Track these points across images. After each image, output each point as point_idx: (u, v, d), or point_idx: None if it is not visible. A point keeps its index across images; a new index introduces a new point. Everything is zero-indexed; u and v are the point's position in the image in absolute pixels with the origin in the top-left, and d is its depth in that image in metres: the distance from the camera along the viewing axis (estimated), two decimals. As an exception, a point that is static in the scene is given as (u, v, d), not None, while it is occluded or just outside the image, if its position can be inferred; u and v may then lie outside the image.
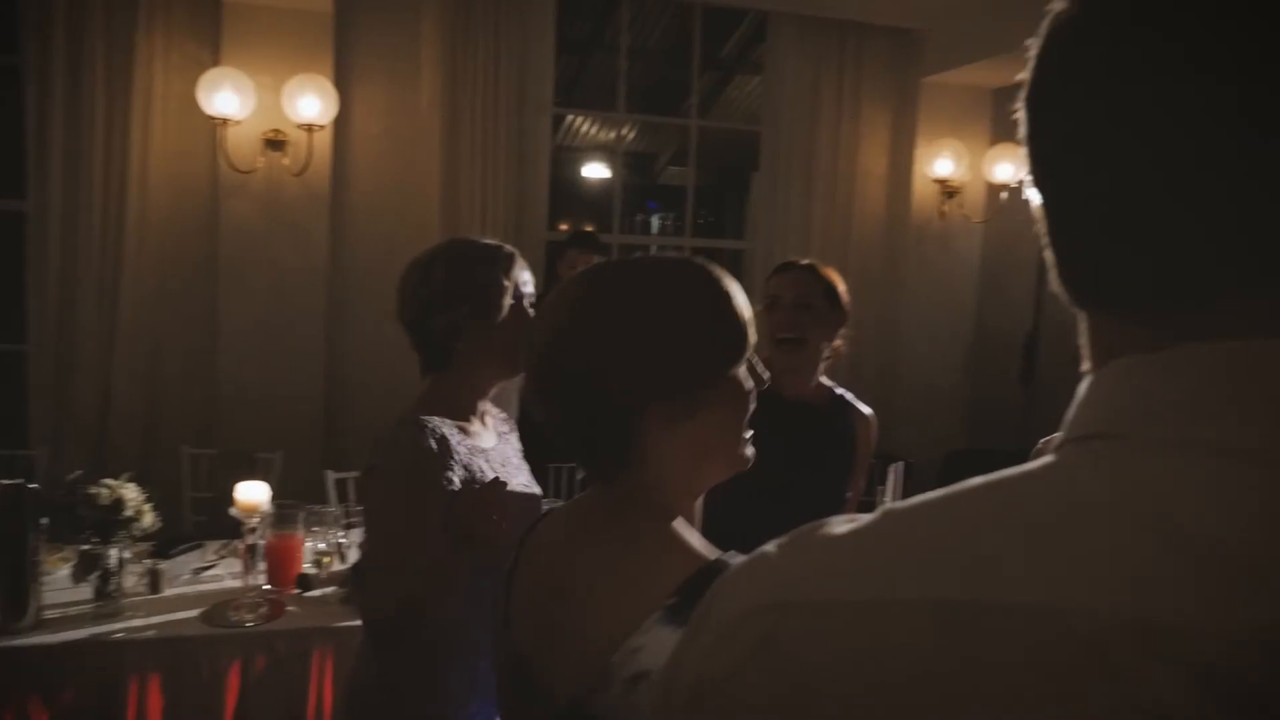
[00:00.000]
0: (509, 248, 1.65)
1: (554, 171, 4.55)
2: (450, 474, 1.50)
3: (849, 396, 2.17)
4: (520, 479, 1.67)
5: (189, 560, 2.77)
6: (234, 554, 2.66)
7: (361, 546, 2.14)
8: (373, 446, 1.52)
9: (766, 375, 0.91)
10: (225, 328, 3.99)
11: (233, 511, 2.32)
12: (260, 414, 3.96)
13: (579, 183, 9.86)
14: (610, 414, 0.85)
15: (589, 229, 5.19)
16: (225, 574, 2.65)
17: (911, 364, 4.99)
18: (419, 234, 4.19)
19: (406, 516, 1.45)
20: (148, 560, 2.56)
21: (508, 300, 1.57)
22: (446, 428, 1.54)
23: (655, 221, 11.58)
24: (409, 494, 1.46)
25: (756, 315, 0.92)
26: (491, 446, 1.63)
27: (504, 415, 1.78)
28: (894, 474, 2.97)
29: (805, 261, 2.09)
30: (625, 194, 10.62)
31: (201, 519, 3.53)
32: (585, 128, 9.15)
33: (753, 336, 0.89)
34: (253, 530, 2.33)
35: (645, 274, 0.90)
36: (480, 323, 1.56)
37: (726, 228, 10.25)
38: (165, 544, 2.83)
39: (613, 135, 5.63)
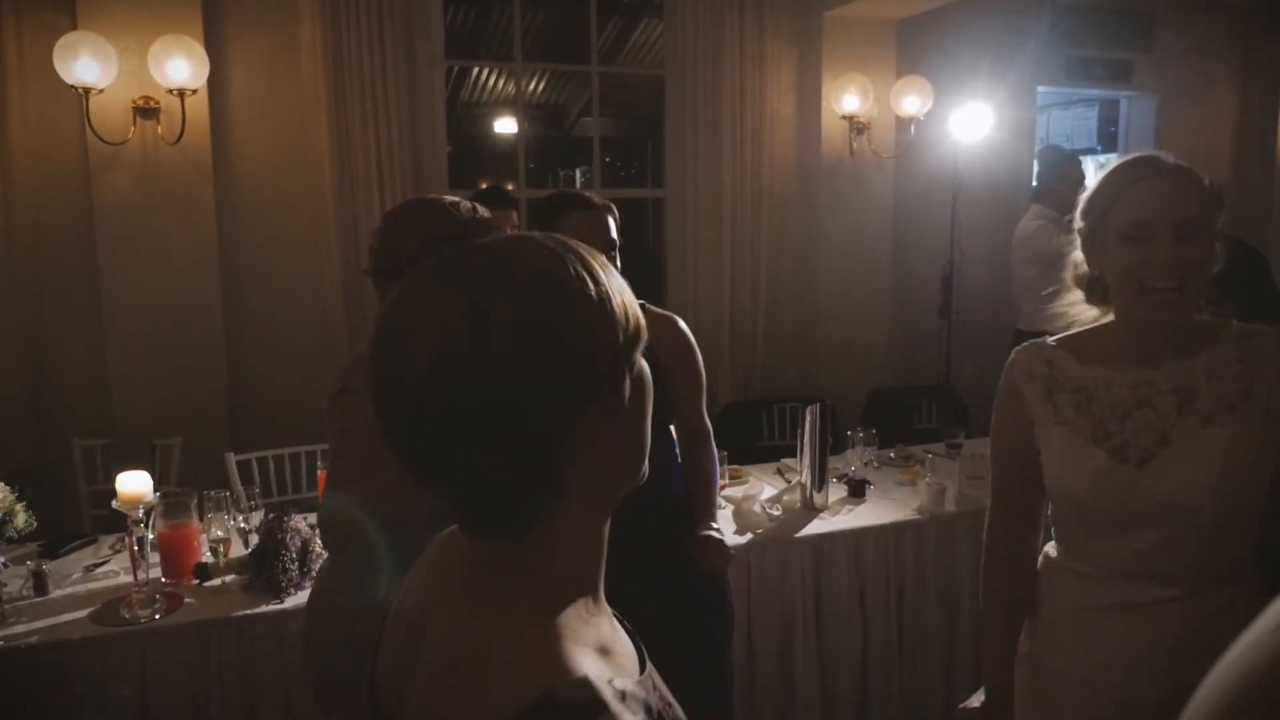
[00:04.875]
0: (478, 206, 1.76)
1: (464, 129, 4.39)
2: None
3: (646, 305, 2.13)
4: None
5: (80, 558, 2.64)
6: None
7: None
8: (342, 369, 1.68)
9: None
10: (110, 310, 3.78)
11: (115, 504, 2.20)
12: (158, 399, 3.78)
13: (493, 139, 9.60)
14: (538, 432, 0.65)
15: (487, 186, 5.06)
16: (120, 570, 2.53)
17: (830, 304, 4.99)
18: (311, 198, 4.03)
19: (369, 437, 1.53)
20: (30, 562, 2.42)
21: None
22: None
23: (578, 175, 11.40)
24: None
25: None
26: None
27: None
28: (811, 415, 2.94)
29: (599, 200, 2.02)
30: (539, 148, 10.45)
31: (100, 513, 3.36)
32: (494, 82, 8.90)
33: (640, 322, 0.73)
34: (138, 522, 2.21)
35: (520, 253, 0.69)
36: None
37: (649, 176, 10.12)
38: (58, 542, 2.70)
39: (517, 88, 5.44)
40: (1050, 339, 1.50)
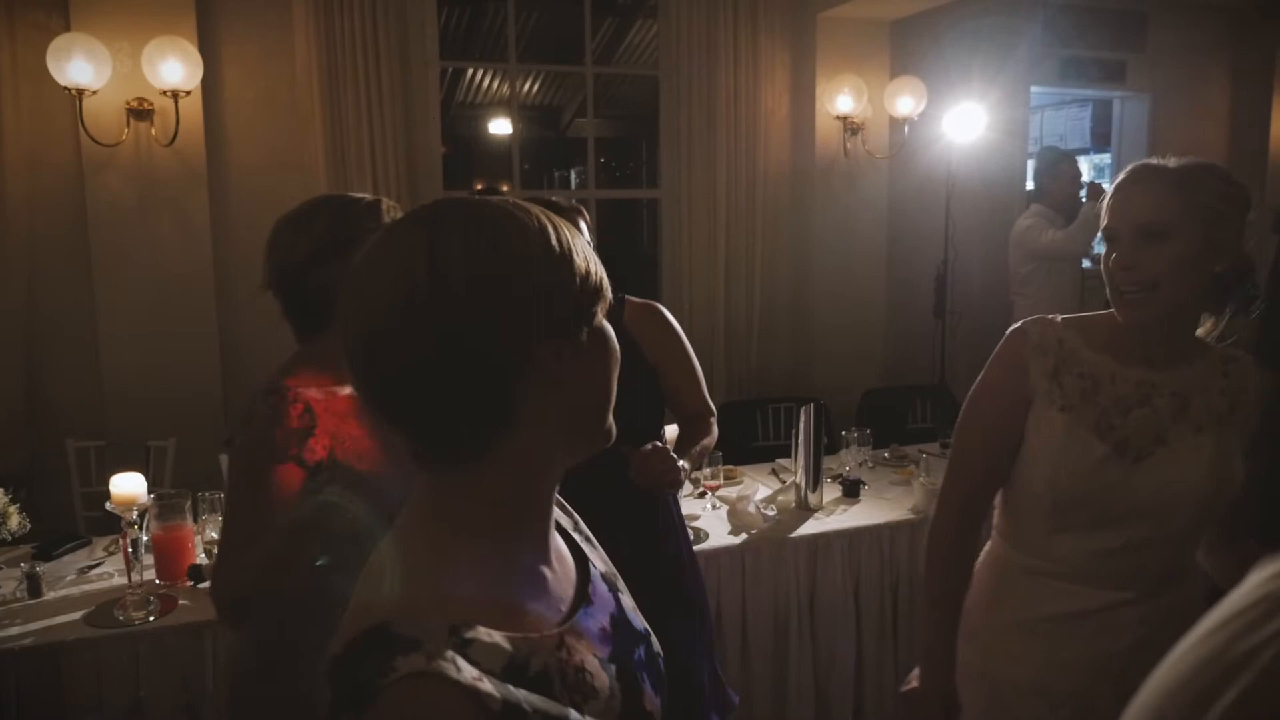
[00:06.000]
0: (385, 199, 1.60)
1: (459, 130, 4.39)
2: (313, 442, 1.46)
3: (626, 297, 2.06)
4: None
5: (74, 560, 2.63)
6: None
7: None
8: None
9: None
10: (104, 312, 3.77)
11: (109, 506, 2.20)
12: (152, 400, 3.78)
13: (488, 140, 9.61)
14: (492, 368, 0.69)
15: (481, 187, 5.04)
16: (114, 571, 2.53)
17: (825, 305, 5.00)
18: (306, 199, 4.01)
19: (255, 492, 1.44)
20: (24, 564, 2.41)
21: None
22: (313, 391, 1.49)
23: (573, 176, 11.40)
24: (259, 468, 1.44)
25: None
26: None
27: None
28: (805, 415, 2.95)
29: (566, 203, 1.98)
30: (534, 149, 10.46)
31: (94, 515, 3.36)
32: (488, 83, 8.90)
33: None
34: (132, 524, 2.20)
35: (481, 207, 0.73)
36: None
37: (644, 177, 10.13)
38: (52, 544, 2.69)
39: (512, 89, 5.43)
40: (1059, 317, 1.47)
